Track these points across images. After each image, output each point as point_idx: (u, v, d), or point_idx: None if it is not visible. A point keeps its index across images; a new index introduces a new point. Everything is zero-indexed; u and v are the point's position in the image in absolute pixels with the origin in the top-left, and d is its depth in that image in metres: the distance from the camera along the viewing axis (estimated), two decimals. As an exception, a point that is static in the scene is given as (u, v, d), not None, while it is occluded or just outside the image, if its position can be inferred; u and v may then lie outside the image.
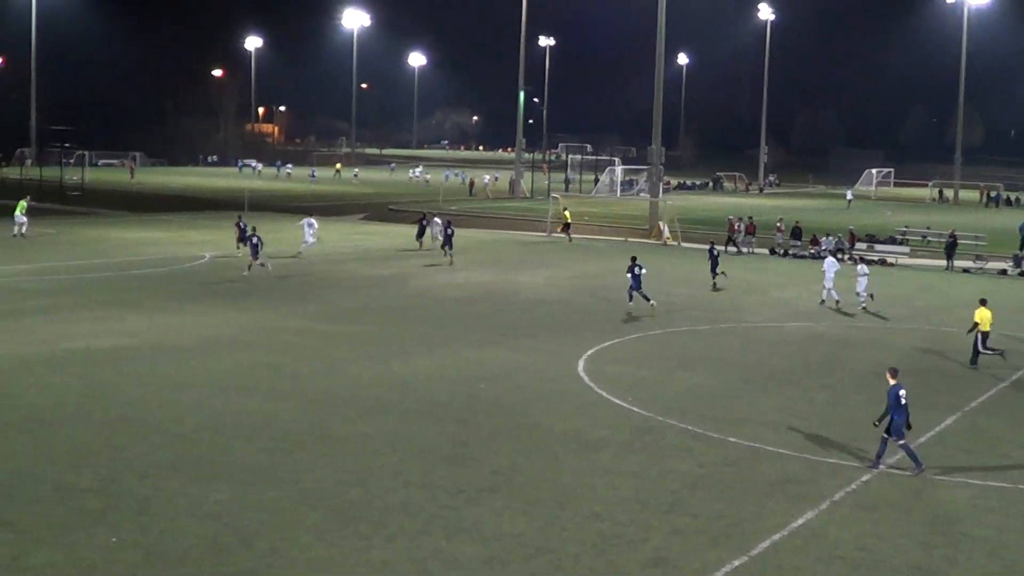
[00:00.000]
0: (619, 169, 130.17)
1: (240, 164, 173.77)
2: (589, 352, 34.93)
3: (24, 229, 64.98)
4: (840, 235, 69.03)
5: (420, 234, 66.13)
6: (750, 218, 72.92)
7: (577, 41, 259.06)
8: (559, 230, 76.56)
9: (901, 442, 23.11)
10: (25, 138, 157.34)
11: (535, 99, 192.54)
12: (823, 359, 35.54)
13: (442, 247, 60.75)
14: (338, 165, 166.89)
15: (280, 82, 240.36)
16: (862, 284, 46.16)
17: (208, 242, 62.56)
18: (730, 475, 22.75)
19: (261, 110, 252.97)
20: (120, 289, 45.97)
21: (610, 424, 26.43)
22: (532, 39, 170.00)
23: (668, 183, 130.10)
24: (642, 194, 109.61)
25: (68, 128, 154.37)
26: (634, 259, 43.62)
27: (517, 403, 28.29)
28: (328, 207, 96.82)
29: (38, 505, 19.74)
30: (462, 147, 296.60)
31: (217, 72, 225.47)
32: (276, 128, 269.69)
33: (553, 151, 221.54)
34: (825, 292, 46.86)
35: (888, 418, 23.26)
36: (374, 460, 22.90)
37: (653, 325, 40.60)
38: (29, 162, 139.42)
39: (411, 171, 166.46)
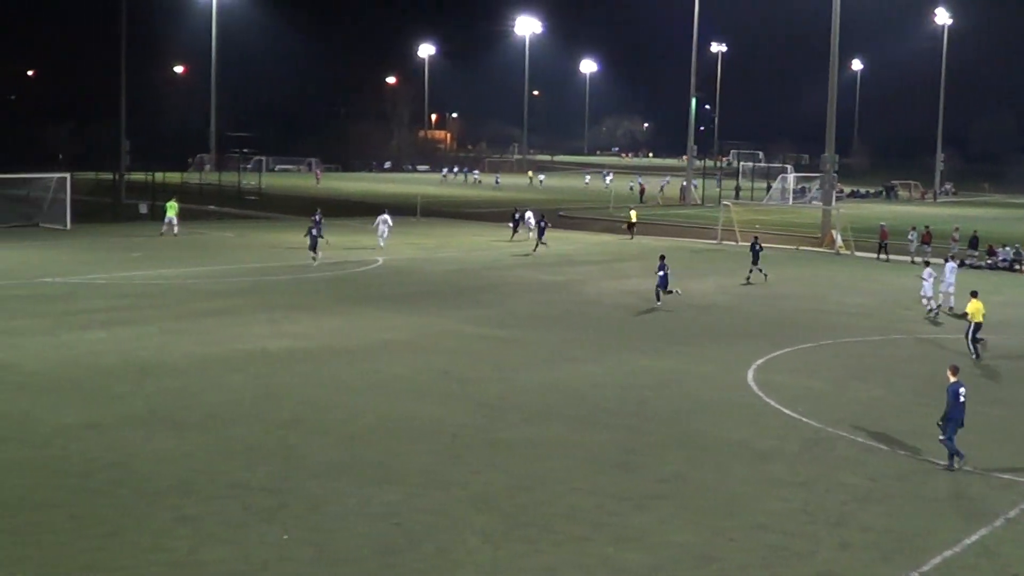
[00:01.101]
0: (791, 176, 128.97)
1: (444, 170, 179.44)
2: (759, 361, 34.60)
3: (175, 230, 67.31)
4: (1018, 245, 67.18)
5: (515, 228, 72.44)
6: (926, 227, 71.29)
7: (749, 47, 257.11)
8: (625, 228, 79.87)
9: (948, 439, 23.24)
10: (205, 144, 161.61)
11: (707, 106, 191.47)
12: (998, 373, 34.61)
13: (537, 239, 66.68)
14: (530, 172, 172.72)
15: (452, 89, 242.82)
16: (926, 288, 45.15)
17: (381, 247, 63.24)
18: (901, 489, 22.34)
19: (433, 116, 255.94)
20: (294, 292, 46.94)
21: (780, 434, 26.17)
22: (704, 45, 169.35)
23: (841, 191, 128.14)
24: (814, 202, 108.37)
25: (246, 134, 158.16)
26: (662, 258, 46.20)
27: (686, 411, 28.18)
28: (501, 213, 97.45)
29: (213, 501, 20.27)
30: (630, 154, 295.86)
31: (391, 79, 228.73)
32: (448, 134, 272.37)
33: (724, 158, 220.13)
34: (943, 297, 46.43)
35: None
36: (542, 465, 23.01)
37: (824, 335, 40.02)
38: (208, 167, 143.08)
39: (586, 177, 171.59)
